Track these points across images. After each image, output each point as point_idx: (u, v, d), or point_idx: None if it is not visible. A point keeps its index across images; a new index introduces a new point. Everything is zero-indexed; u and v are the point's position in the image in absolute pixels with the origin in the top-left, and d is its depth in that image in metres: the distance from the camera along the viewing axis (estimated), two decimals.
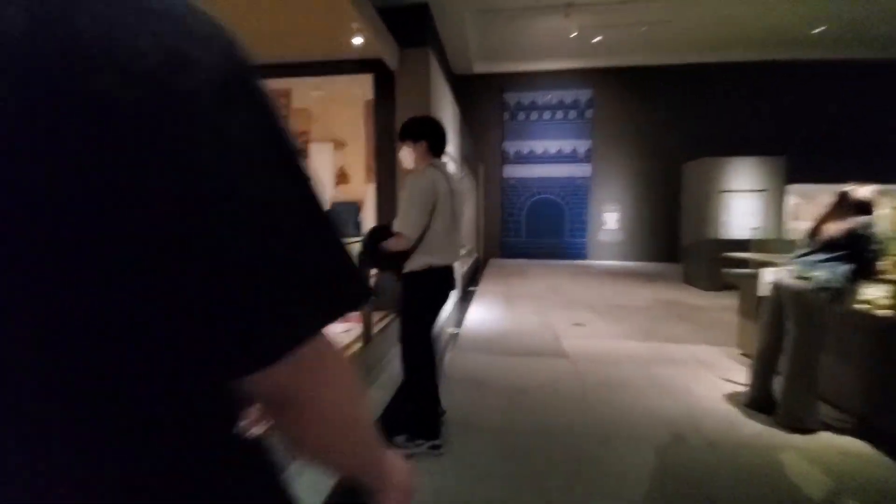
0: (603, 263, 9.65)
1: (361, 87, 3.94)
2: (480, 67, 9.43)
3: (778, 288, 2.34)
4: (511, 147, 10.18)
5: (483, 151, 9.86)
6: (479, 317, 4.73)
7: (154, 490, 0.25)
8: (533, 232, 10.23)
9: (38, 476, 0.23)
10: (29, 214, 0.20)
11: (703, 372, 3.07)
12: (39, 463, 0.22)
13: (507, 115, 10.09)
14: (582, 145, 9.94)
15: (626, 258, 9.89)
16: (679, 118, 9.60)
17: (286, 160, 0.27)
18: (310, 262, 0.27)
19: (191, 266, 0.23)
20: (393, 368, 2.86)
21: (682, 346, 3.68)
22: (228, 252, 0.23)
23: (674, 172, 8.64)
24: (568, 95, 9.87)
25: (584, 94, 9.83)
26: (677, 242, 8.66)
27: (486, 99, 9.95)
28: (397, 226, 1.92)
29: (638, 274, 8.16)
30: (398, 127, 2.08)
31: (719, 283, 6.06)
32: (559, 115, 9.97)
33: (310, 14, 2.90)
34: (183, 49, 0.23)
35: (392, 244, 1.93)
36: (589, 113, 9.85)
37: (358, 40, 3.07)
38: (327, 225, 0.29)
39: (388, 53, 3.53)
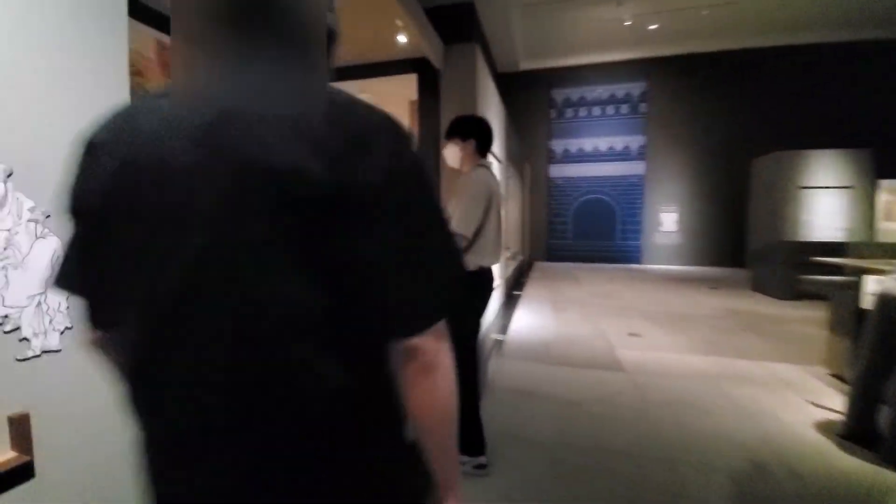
0: (659, 268, 9.05)
1: (406, 87, 3.91)
2: (526, 64, 9.18)
3: (886, 299, 1.99)
4: (558, 145, 9.83)
5: (529, 151, 9.59)
6: (526, 323, 4.55)
7: (362, 392, 0.45)
8: (581, 234, 9.79)
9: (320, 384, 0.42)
10: (335, 242, 0.41)
11: (785, 393, 2.71)
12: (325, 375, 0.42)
13: (553, 113, 9.76)
14: (635, 141, 9.40)
15: (685, 262, 9.20)
16: (746, 109, 8.80)
17: (440, 214, 0.48)
18: (446, 277, 0.46)
19: (393, 275, 0.43)
20: None
21: (758, 362, 3.29)
22: (410, 268, 0.43)
23: (740, 168, 7.95)
24: (619, 89, 9.38)
25: (637, 87, 9.29)
26: (744, 245, 7.96)
27: (532, 96, 9.68)
28: (454, 226, 1.86)
29: (699, 279, 7.56)
30: (443, 127, 2.08)
31: (795, 291, 5.45)
32: (610, 110, 9.49)
33: (354, 16, 2.89)
34: (399, 148, 0.44)
35: None
36: (643, 107, 9.29)
37: (402, 38, 3.04)
38: (454, 254, 0.49)
39: (433, 51, 3.46)
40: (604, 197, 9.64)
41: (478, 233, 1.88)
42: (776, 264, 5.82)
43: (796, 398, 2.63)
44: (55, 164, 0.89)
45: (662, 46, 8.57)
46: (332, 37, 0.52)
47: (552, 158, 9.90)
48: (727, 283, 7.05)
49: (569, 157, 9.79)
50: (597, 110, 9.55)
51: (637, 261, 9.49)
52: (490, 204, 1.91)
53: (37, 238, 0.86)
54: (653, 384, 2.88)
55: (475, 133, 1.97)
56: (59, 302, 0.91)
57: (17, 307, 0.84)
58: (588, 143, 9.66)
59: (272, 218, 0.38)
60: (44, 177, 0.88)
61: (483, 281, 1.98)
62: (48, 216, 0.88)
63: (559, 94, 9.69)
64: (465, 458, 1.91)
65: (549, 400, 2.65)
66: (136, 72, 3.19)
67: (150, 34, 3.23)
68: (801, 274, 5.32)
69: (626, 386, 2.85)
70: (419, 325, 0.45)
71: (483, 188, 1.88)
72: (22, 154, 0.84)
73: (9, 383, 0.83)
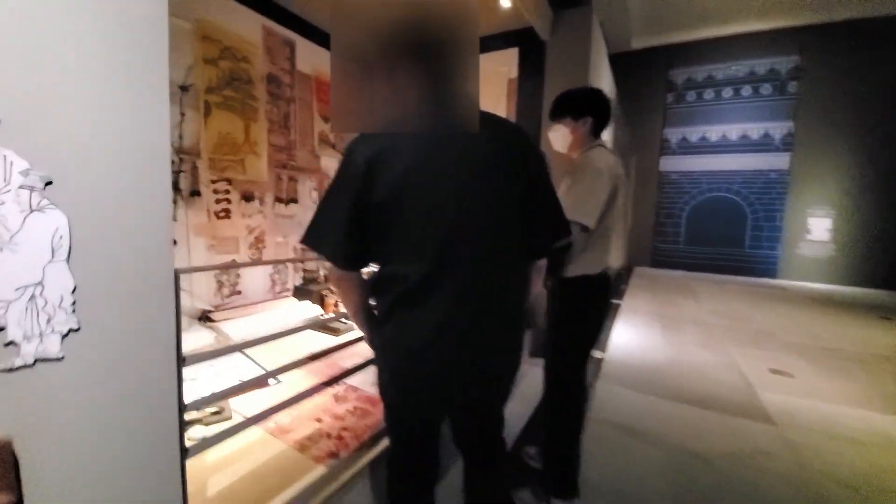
0: (803, 285, 7.39)
1: (505, 63, 3.50)
2: (640, 42, 8.10)
3: None
4: (674, 134, 8.51)
5: (636, 141, 8.50)
6: (628, 340, 3.89)
7: (523, 284, 1.04)
8: (696, 238, 8.40)
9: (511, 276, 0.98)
10: (517, 191, 0.93)
11: None
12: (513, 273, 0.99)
13: (670, 97, 8.45)
14: (778, 129, 7.71)
15: (839, 281, 7.39)
16: None
17: (549, 174, 1.01)
18: (557, 214, 1.02)
19: (538, 216, 0.98)
20: (522, 396, 2.37)
21: None
22: (545, 211, 1.00)
23: None
24: (761, 65, 7.74)
25: (786, 63, 7.58)
26: None
27: (645, 79, 8.49)
28: (572, 213, 1.42)
29: (864, 305, 5.96)
30: (545, 106, 1.67)
31: None
32: (746, 91, 7.89)
33: None
34: (537, 148, 1.01)
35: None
36: (793, 86, 7.57)
37: (506, 2, 2.65)
38: (559, 200, 1.04)
39: (540, 19, 3.00)
40: (730, 195, 8.12)
41: (602, 225, 1.48)
42: None
43: None
44: (58, 117, 0.69)
45: (824, 9, 6.86)
46: None
47: (666, 149, 8.61)
48: None
49: (686, 148, 8.42)
50: (727, 91, 8.01)
51: (772, 274, 7.85)
52: (616, 190, 1.48)
53: (31, 211, 0.66)
54: (817, 447, 2.14)
55: (593, 109, 1.55)
56: (62, 295, 0.70)
57: (2, 301, 0.65)
58: (714, 132, 8.17)
59: (501, 188, 0.89)
60: (44, 131, 0.67)
61: (605, 288, 1.57)
62: (48, 183, 0.67)
63: (680, 75, 8.34)
64: (557, 502, 1.58)
65: (662, 446, 2.10)
66: (242, 58, 3.25)
67: (256, 20, 3.27)
68: None
69: (775, 444, 2.16)
70: (550, 243, 1.02)
71: (607, 169, 1.46)
72: (11, 100, 0.63)
73: None
